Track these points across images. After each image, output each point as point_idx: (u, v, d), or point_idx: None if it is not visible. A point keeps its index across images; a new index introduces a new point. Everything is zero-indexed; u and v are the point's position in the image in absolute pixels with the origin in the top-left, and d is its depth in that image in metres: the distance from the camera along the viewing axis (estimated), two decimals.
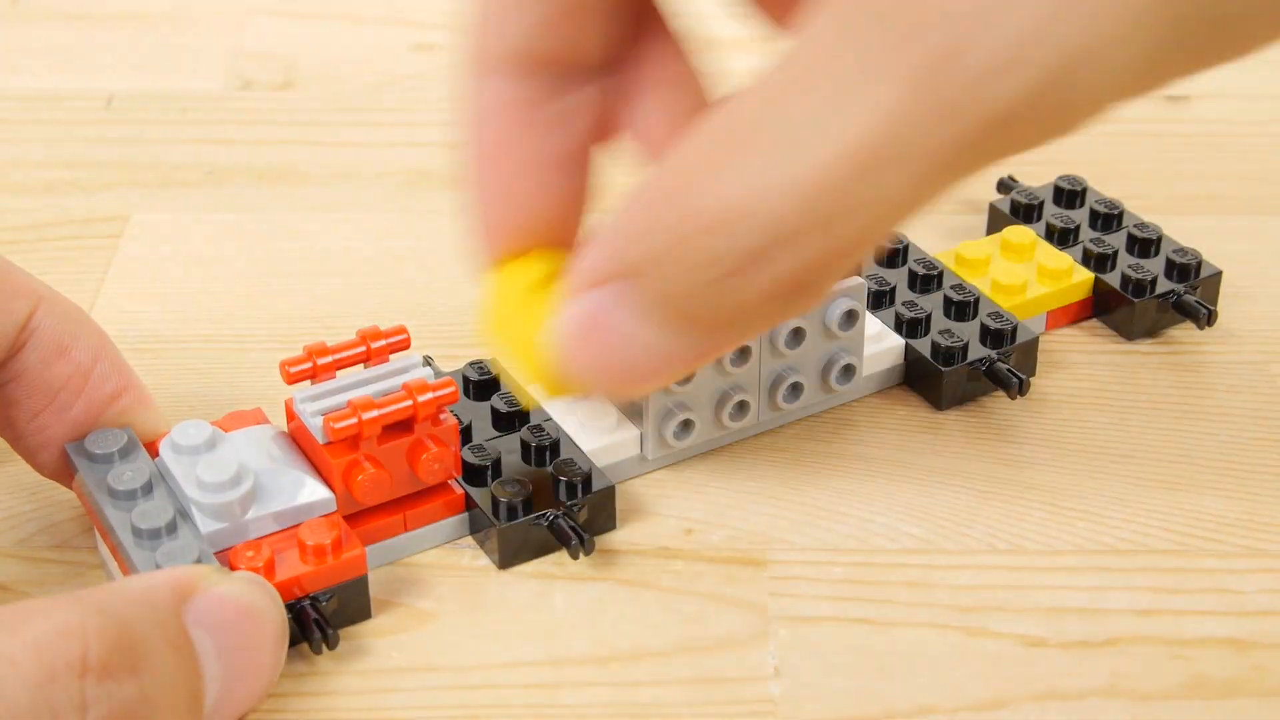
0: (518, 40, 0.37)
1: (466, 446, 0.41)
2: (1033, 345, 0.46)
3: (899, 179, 0.29)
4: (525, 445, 0.42)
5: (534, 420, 0.42)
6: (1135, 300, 0.47)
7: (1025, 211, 0.50)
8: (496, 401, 0.43)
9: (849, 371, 0.44)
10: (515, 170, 0.38)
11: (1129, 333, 0.47)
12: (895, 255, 0.48)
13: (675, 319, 0.33)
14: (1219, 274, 0.48)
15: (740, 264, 0.31)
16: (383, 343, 0.41)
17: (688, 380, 0.41)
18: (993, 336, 0.45)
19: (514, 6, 0.38)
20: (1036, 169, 0.54)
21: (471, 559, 0.41)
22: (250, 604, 0.35)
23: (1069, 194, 0.51)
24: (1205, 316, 0.47)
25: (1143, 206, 0.53)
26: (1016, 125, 0.28)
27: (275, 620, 0.35)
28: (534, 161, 0.38)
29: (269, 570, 0.37)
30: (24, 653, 0.30)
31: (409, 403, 0.39)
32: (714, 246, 0.31)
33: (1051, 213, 0.50)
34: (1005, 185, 0.52)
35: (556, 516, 0.40)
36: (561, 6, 0.37)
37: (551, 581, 0.40)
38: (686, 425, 0.42)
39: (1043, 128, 0.29)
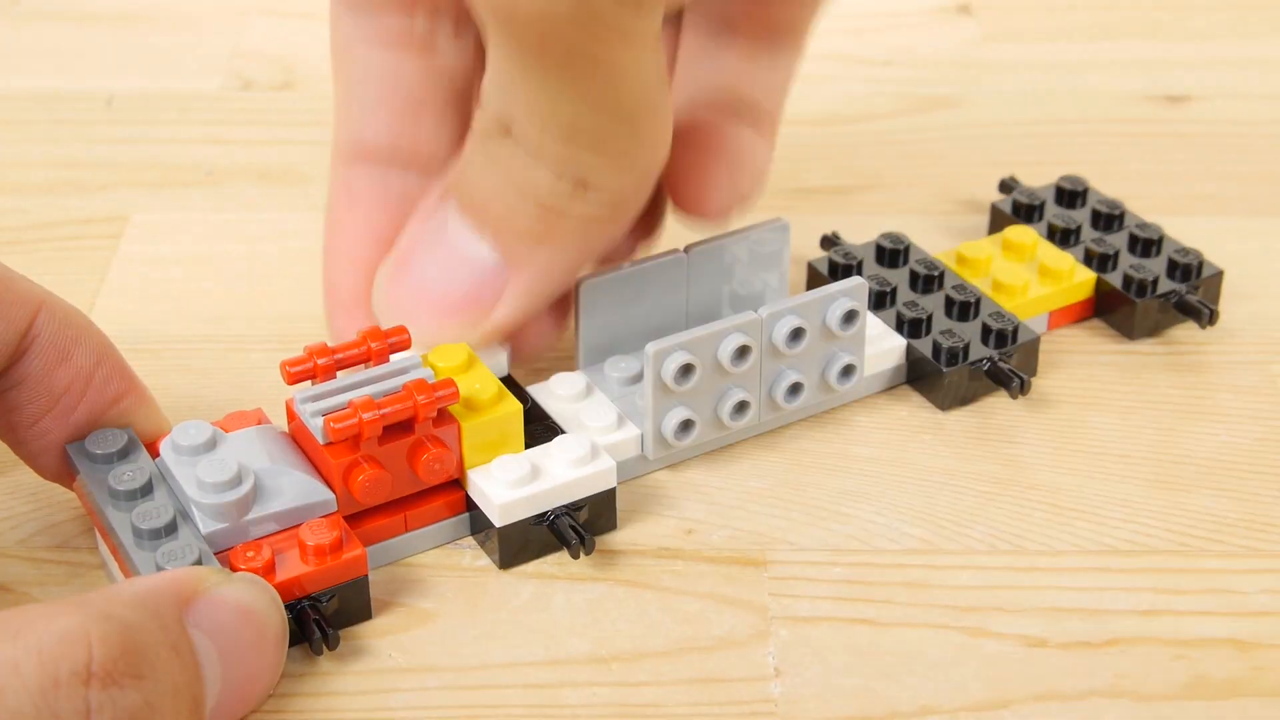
0: (364, 136, 0.43)
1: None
2: (1034, 345, 0.46)
3: None
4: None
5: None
6: (1137, 300, 0.47)
7: (1027, 211, 0.50)
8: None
9: (850, 371, 0.44)
10: (357, 245, 0.43)
11: (1130, 333, 0.47)
12: (896, 255, 0.48)
13: (486, 229, 0.39)
14: (1220, 274, 0.48)
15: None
16: (383, 343, 0.41)
17: (688, 379, 0.41)
18: (994, 336, 0.45)
19: (360, 106, 0.43)
20: (1038, 169, 0.55)
21: (472, 559, 0.41)
22: (250, 606, 0.35)
23: (1070, 194, 0.51)
24: (1207, 316, 0.47)
25: (1144, 207, 0.53)
26: None
27: (275, 622, 0.35)
28: (387, 242, 0.43)
29: (269, 571, 0.37)
30: (28, 660, 0.30)
31: (410, 403, 0.39)
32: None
33: (1053, 213, 0.50)
34: (1007, 186, 0.52)
35: (557, 517, 0.40)
36: (401, 108, 0.42)
37: (552, 582, 0.40)
38: (687, 425, 0.42)
39: None
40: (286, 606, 0.37)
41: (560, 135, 0.37)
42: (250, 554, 0.37)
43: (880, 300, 0.46)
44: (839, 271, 0.48)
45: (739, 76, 0.44)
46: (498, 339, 0.42)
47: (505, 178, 0.39)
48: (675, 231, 0.53)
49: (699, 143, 0.43)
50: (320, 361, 0.40)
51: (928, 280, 0.47)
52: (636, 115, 0.38)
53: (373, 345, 0.41)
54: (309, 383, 0.40)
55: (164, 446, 0.39)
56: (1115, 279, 0.48)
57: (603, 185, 0.39)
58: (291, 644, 0.37)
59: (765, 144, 0.44)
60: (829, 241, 0.50)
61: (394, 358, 0.41)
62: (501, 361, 0.43)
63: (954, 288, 0.47)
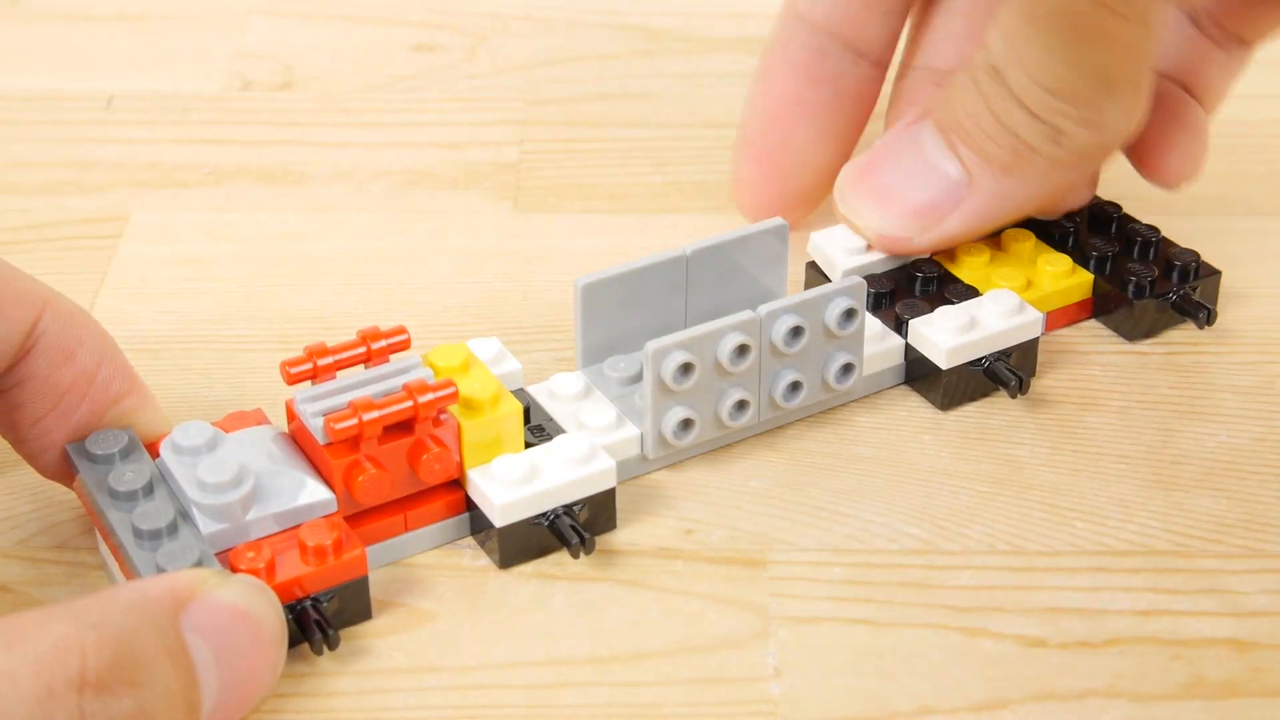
0: (813, 3, 0.49)
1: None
2: (1032, 346, 0.46)
3: None
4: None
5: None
6: (1135, 301, 0.47)
7: None
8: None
9: (849, 370, 0.44)
10: (780, 98, 0.50)
11: (1128, 333, 0.47)
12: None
13: (959, 149, 0.45)
14: (1218, 274, 0.48)
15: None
16: (383, 343, 0.41)
17: (687, 378, 0.41)
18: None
19: None
20: None
21: (472, 559, 0.41)
22: (248, 608, 0.35)
23: None
24: (1205, 316, 0.47)
25: (1142, 207, 0.53)
26: None
27: (273, 625, 0.35)
28: (796, 98, 0.50)
29: (270, 571, 0.37)
30: (22, 669, 0.30)
31: (409, 403, 0.39)
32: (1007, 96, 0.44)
33: None
34: None
35: (556, 516, 0.40)
36: None
37: (552, 582, 0.40)
38: (687, 424, 0.42)
39: None
40: (287, 607, 0.37)
41: (1047, 89, 0.43)
42: (250, 554, 0.37)
43: (879, 301, 0.46)
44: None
45: (1204, 63, 0.49)
46: (936, 246, 0.47)
47: (988, 109, 0.44)
48: (676, 231, 0.53)
49: (1169, 115, 0.48)
50: (320, 362, 0.40)
51: (926, 281, 0.47)
52: (1120, 87, 0.43)
53: (372, 345, 0.41)
54: (309, 383, 0.41)
55: (164, 447, 0.39)
56: (1113, 280, 0.48)
57: (1075, 138, 0.44)
58: (291, 644, 0.37)
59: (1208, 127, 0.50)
60: None
61: (393, 358, 0.41)
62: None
63: (953, 290, 0.47)
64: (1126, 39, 0.42)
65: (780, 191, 0.51)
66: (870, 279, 0.46)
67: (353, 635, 0.39)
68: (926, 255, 0.47)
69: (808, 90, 0.49)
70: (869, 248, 0.47)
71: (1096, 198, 0.50)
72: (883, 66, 0.50)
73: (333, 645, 0.37)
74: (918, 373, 0.46)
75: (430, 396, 0.39)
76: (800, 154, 0.50)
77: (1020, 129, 0.44)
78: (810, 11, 0.49)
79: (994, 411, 0.45)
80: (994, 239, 0.49)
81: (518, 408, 0.40)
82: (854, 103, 0.50)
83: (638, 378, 0.44)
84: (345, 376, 0.40)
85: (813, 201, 0.51)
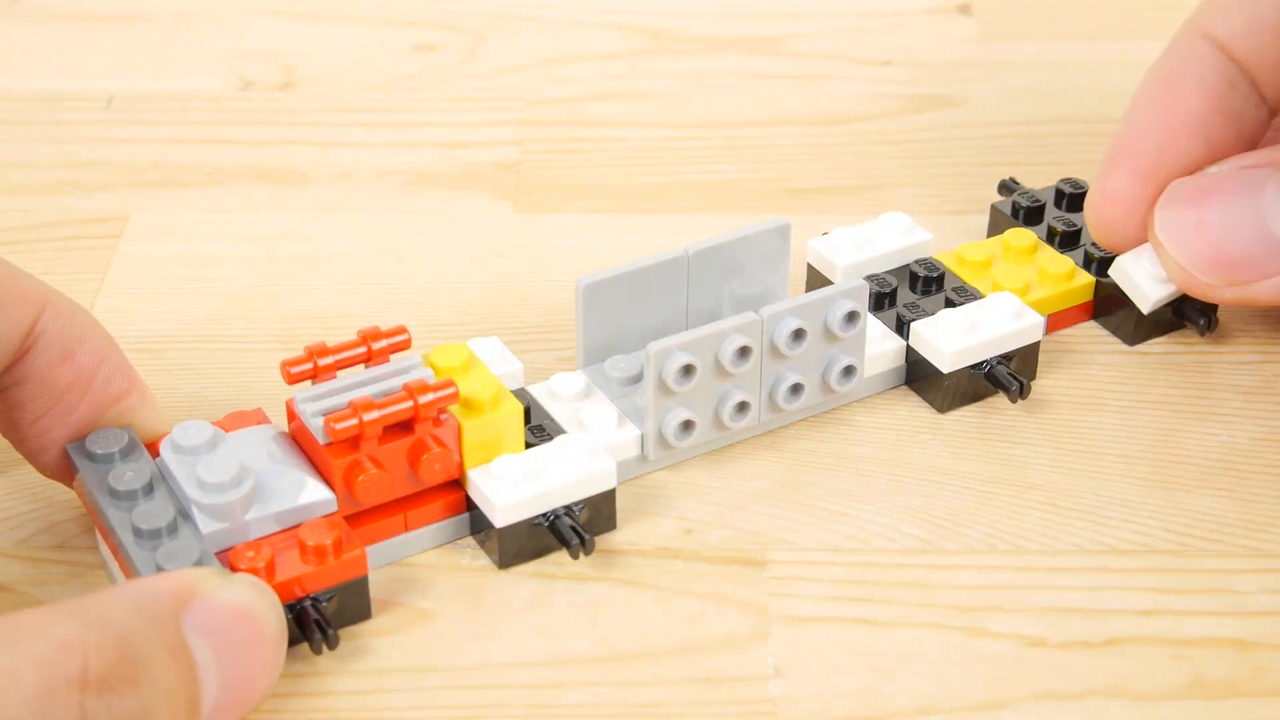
0: (1231, 32, 0.45)
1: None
2: (1033, 348, 0.46)
3: None
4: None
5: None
6: (1145, 312, 0.47)
7: (1027, 214, 0.50)
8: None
9: (850, 372, 0.44)
10: (1180, 114, 0.45)
11: (1129, 337, 0.47)
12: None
13: None
14: None
15: None
16: (383, 343, 0.41)
17: (688, 379, 0.41)
18: None
19: (1239, 6, 0.45)
20: (1038, 170, 0.55)
21: (472, 559, 0.41)
22: (248, 608, 0.35)
23: (1070, 197, 0.51)
24: (1205, 324, 0.47)
25: None
26: None
27: (273, 624, 0.35)
28: (1198, 117, 0.45)
29: (269, 571, 0.37)
30: (24, 668, 0.30)
31: (410, 403, 0.39)
32: None
33: (1053, 215, 0.50)
34: (1007, 187, 0.52)
35: (557, 517, 0.40)
36: (1274, 28, 0.44)
37: (551, 582, 0.40)
38: (687, 426, 0.42)
39: None
40: (286, 606, 0.37)
41: None
42: (250, 554, 0.37)
43: (880, 301, 0.46)
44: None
45: None
46: (1239, 304, 0.44)
47: None
48: (676, 231, 0.53)
49: None
50: (320, 362, 0.40)
51: (928, 282, 0.47)
52: None
53: (372, 345, 0.41)
54: (309, 383, 0.40)
55: (164, 446, 0.39)
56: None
57: None
58: (291, 644, 0.37)
59: None
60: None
61: (394, 358, 0.41)
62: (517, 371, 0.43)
63: (954, 290, 0.47)
64: None
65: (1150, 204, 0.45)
66: (870, 278, 0.46)
67: (352, 635, 0.39)
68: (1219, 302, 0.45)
69: (1214, 119, 0.45)
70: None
71: None
72: (1275, 114, 0.46)
73: (332, 645, 0.37)
74: (918, 375, 0.46)
75: (431, 396, 0.39)
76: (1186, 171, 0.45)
77: None
78: (1226, 36, 0.45)
79: (994, 411, 0.45)
80: (996, 239, 0.49)
81: (518, 408, 0.40)
82: (1247, 146, 0.46)
83: (638, 378, 0.44)
84: (345, 376, 0.40)
85: None
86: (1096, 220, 0.46)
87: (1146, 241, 0.45)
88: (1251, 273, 0.42)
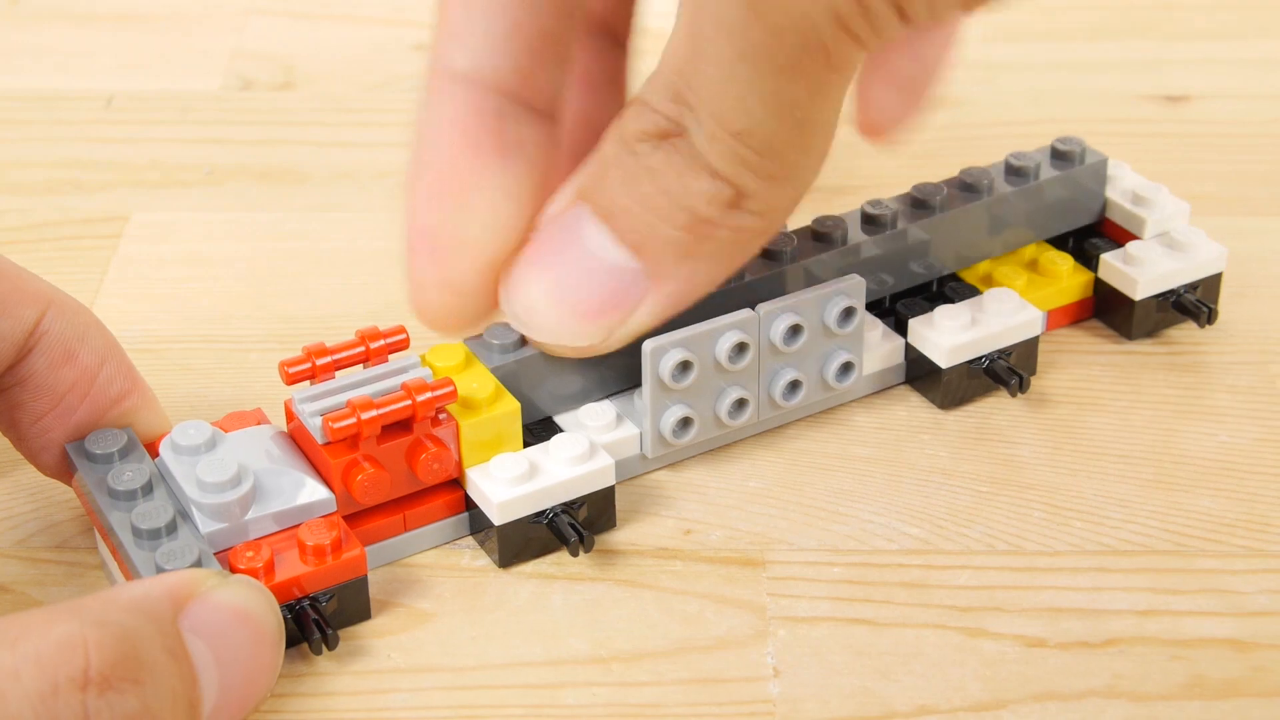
0: (475, 59, 0.38)
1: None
2: (1033, 345, 0.46)
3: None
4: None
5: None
6: (1135, 300, 0.47)
7: None
8: None
9: (848, 369, 0.44)
10: (455, 180, 0.38)
11: (1129, 333, 0.47)
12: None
13: (628, 237, 0.36)
14: (1219, 274, 0.48)
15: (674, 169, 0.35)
16: (382, 343, 0.41)
17: (685, 376, 0.41)
18: None
19: (470, 29, 0.38)
20: None
21: (471, 559, 0.41)
22: (247, 609, 0.35)
23: None
24: (1205, 315, 0.47)
25: None
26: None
27: (272, 625, 0.35)
28: (474, 177, 0.38)
29: (269, 571, 0.37)
30: (26, 667, 0.30)
31: (408, 403, 0.39)
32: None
33: None
34: None
35: (555, 515, 0.40)
36: (515, 35, 0.38)
37: (551, 581, 0.40)
38: (686, 423, 0.42)
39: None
40: (285, 606, 0.37)
41: (736, 142, 0.35)
42: (249, 554, 0.37)
43: (879, 301, 0.46)
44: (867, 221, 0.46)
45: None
46: (631, 341, 0.39)
47: (656, 186, 0.36)
48: None
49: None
50: (319, 362, 0.40)
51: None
52: (815, 131, 0.36)
53: (371, 345, 0.41)
54: (307, 383, 0.41)
55: (163, 446, 0.39)
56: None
57: (762, 199, 0.36)
58: (290, 644, 0.37)
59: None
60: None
61: (392, 358, 0.41)
62: None
63: (952, 286, 0.47)
64: (848, 71, 0.34)
65: (478, 286, 0.39)
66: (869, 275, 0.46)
67: (352, 635, 0.39)
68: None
69: (493, 162, 0.39)
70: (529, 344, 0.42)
71: None
72: (560, 124, 0.40)
73: (332, 645, 0.37)
74: (918, 372, 0.46)
75: (429, 396, 0.39)
76: (498, 235, 0.39)
77: (696, 202, 0.36)
78: (470, 67, 0.39)
79: (993, 411, 0.45)
80: None
81: (516, 406, 0.40)
82: (545, 170, 0.40)
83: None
84: (344, 376, 0.40)
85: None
86: (425, 316, 0.40)
87: (492, 314, 0.40)
88: (619, 313, 0.38)
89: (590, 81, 0.43)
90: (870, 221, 0.45)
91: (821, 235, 0.45)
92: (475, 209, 0.39)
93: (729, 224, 0.36)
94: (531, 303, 0.38)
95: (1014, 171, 0.47)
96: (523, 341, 0.42)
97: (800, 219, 0.51)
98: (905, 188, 0.56)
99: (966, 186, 0.47)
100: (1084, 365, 0.47)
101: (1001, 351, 0.45)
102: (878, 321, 0.46)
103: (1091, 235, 0.49)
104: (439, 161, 0.39)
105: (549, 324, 0.38)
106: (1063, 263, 0.48)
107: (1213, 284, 0.48)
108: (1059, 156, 0.47)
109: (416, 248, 0.39)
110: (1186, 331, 0.48)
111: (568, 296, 0.38)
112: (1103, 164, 0.48)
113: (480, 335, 0.42)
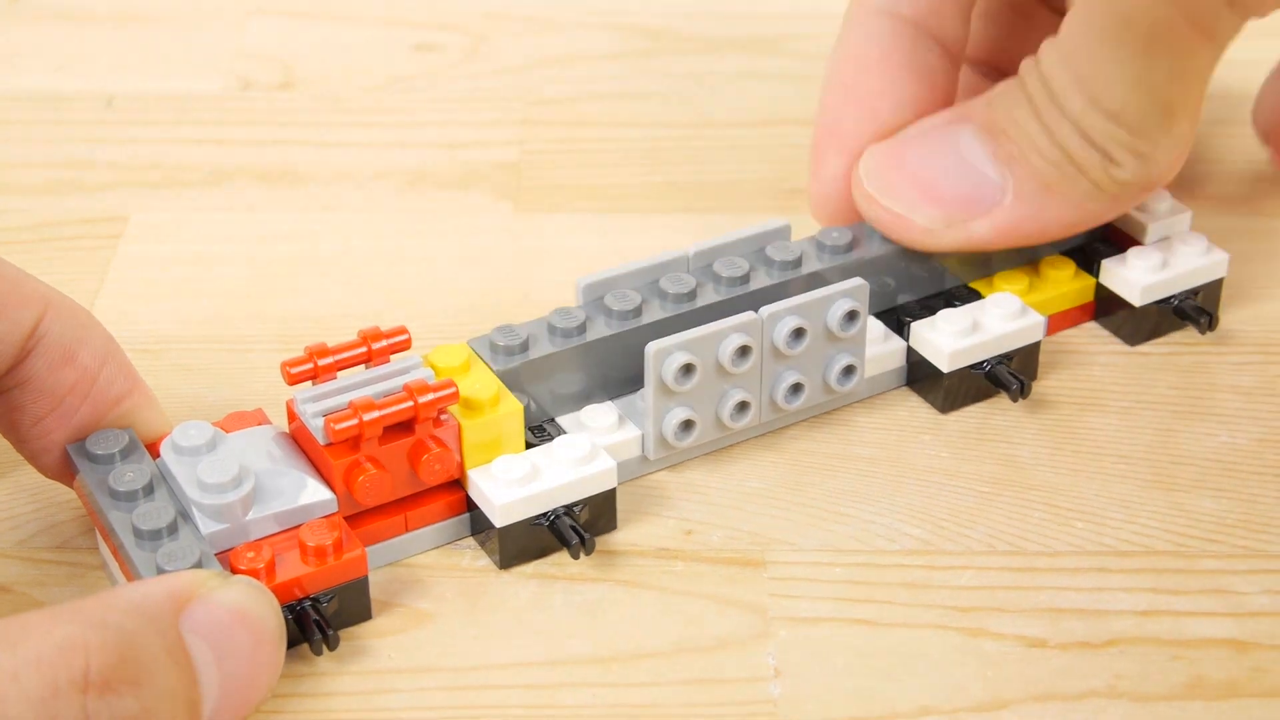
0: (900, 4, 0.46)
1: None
2: (1034, 350, 0.46)
3: None
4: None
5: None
6: (1135, 306, 0.47)
7: None
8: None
9: (850, 372, 0.44)
10: (867, 88, 0.46)
11: (1130, 338, 0.47)
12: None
13: (1002, 153, 0.42)
14: (1220, 280, 0.48)
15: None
16: (384, 343, 0.41)
17: (688, 379, 0.41)
18: None
19: None
20: None
21: (472, 560, 0.41)
22: (247, 610, 0.35)
23: None
24: (1206, 322, 0.47)
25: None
26: None
27: (273, 626, 0.35)
28: (885, 88, 0.46)
29: (270, 571, 0.37)
30: (26, 669, 0.30)
31: (410, 403, 0.39)
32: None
33: None
34: None
35: (557, 517, 0.40)
36: None
37: (551, 582, 0.40)
38: (687, 425, 0.42)
39: None
40: (286, 607, 0.37)
41: (1107, 114, 0.40)
42: (250, 554, 0.37)
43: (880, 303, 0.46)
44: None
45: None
46: (958, 248, 0.44)
47: (1039, 121, 0.41)
48: (676, 231, 0.53)
49: None
50: (321, 362, 0.40)
51: None
52: (1179, 116, 0.41)
53: (373, 345, 0.41)
54: (309, 383, 0.41)
55: (164, 447, 0.39)
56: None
57: (1127, 168, 0.42)
58: (291, 645, 0.37)
59: None
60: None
61: (393, 358, 0.41)
62: None
63: (953, 291, 0.47)
64: (1201, 60, 0.40)
65: None
66: (871, 279, 0.46)
67: (352, 635, 0.39)
68: (943, 253, 0.45)
69: (904, 80, 0.46)
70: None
71: None
72: (960, 63, 0.47)
73: (332, 646, 0.37)
74: (919, 375, 0.46)
75: (431, 397, 0.39)
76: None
77: (1072, 147, 0.41)
78: (894, 6, 0.46)
79: (994, 412, 0.45)
80: None
81: (518, 408, 0.40)
82: (942, 98, 0.47)
83: None
84: (346, 377, 0.40)
85: None
86: (819, 208, 0.47)
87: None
88: (965, 210, 0.43)
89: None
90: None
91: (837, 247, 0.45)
92: (880, 113, 0.45)
93: (1094, 176, 0.42)
94: (886, 176, 0.44)
95: None
96: (524, 349, 0.42)
97: (803, 219, 0.51)
98: None
99: None
100: (1085, 366, 0.47)
101: (1003, 356, 0.45)
102: (879, 325, 0.46)
103: (1093, 240, 0.49)
104: (856, 72, 0.46)
105: (894, 195, 0.44)
106: (1064, 268, 0.48)
107: (1213, 290, 0.48)
108: None
109: (825, 143, 0.46)
110: (1187, 333, 0.48)
111: (928, 181, 0.43)
112: None
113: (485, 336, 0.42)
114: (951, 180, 0.43)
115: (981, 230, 0.44)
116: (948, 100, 0.47)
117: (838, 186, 0.46)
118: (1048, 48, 0.42)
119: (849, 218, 0.46)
